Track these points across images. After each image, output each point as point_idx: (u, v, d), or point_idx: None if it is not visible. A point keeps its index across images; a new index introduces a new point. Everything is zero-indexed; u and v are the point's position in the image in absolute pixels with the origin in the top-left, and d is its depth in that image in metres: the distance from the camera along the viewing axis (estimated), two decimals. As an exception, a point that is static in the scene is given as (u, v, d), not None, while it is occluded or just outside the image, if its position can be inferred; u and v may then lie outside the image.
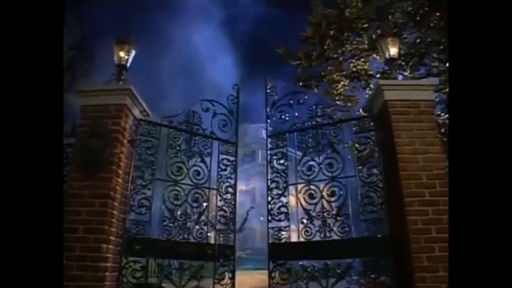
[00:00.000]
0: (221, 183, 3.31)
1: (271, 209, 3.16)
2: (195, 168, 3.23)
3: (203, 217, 3.16)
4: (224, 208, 3.25)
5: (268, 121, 3.41)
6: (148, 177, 2.99)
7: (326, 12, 4.98)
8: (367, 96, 6.95)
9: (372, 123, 3.05)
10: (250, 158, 31.21)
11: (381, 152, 2.91)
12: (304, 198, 3.08)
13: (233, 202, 3.29)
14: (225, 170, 3.34)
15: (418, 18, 4.98)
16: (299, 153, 3.30)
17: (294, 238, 3.08)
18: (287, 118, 3.33)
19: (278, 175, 3.23)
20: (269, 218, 3.14)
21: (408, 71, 5.26)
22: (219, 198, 3.26)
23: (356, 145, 3.01)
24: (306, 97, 3.33)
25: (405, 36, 5.19)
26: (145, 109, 3.21)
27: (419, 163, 2.68)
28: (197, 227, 3.10)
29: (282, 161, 3.24)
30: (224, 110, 3.45)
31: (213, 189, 3.27)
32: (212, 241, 3.18)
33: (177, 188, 3.11)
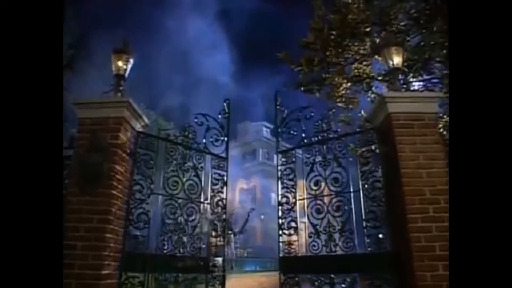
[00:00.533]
0: (213, 197, 3.38)
1: (282, 223, 3.24)
2: (189, 182, 3.27)
3: (196, 231, 3.21)
4: (215, 222, 3.33)
5: (279, 138, 3.51)
6: (147, 191, 2.96)
7: (328, 18, 4.89)
8: (368, 99, 6.89)
9: (375, 135, 3.00)
10: (250, 157, 31.22)
11: (384, 166, 2.86)
12: (311, 213, 3.12)
13: (223, 216, 3.38)
14: (216, 184, 3.42)
15: (421, 21, 4.89)
16: (307, 155, 3.33)
17: (302, 252, 3.16)
18: (295, 133, 3.39)
19: (287, 190, 3.32)
20: (280, 232, 3.24)
21: (411, 75, 5.19)
22: (210, 211, 3.33)
23: (360, 159, 2.97)
24: (313, 113, 3.35)
25: (408, 40, 5.10)
26: (145, 121, 3.17)
27: (423, 178, 2.63)
28: (191, 240, 3.15)
29: (291, 177, 3.33)
30: (216, 125, 3.52)
31: (206, 203, 3.33)
32: (205, 254, 3.24)
33: (173, 202, 3.12)
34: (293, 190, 3.27)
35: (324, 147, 3.18)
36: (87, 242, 2.54)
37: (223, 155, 3.52)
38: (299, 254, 3.16)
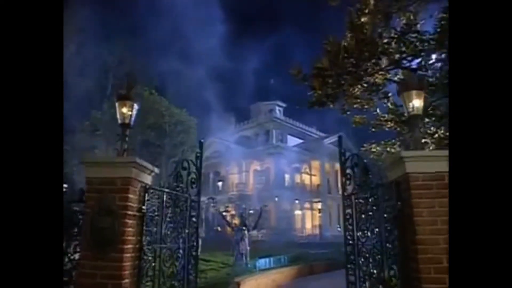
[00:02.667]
0: (189, 242, 3.50)
1: (349, 260, 3.43)
2: (179, 229, 3.37)
3: (179, 276, 3.36)
4: (189, 266, 3.47)
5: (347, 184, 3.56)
6: (153, 246, 3.02)
7: (344, 42, 4.54)
8: (385, 105, 6.59)
9: (393, 191, 2.85)
10: (264, 138, 31.03)
11: (400, 227, 2.75)
12: (361, 261, 3.24)
13: (193, 261, 3.55)
14: (191, 226, 3.55)
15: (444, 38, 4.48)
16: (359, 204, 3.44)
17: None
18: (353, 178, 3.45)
19: (349, 233, 3.43)
20: (349, 273, 3.43)
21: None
22: (181, 254, 3.43)
23: (384, 214, 2.91)
24: (357, 161, 3.37)
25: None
26: (153, 170, 3.13)
27: (440, 245, 2.51)
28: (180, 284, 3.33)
29: (350, 221, 3.43)
30: (194, 168, 3.59)
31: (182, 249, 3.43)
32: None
33: (168, 251, 3.24)
34: (352, 234, 3.38)
35: (364, 196, 3.24)
36: (103, 308, 2.61)
37: (195, 198, 3.62)
38: None
